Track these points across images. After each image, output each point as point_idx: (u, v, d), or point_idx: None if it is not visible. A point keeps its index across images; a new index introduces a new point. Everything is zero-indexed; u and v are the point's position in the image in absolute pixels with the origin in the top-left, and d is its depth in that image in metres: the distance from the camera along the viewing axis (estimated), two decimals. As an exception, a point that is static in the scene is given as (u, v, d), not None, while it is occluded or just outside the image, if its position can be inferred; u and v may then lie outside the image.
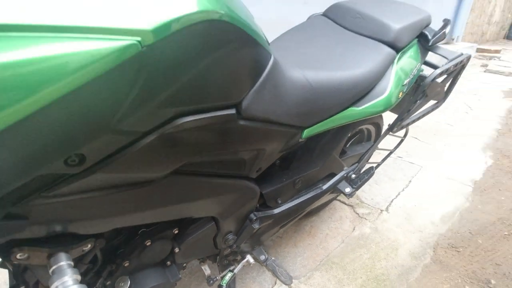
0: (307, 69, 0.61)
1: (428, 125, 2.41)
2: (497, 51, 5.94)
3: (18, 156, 0.29)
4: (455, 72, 0.89)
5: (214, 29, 0.37)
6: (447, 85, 0.94)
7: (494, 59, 5.55)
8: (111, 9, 0.30)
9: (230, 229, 0.69)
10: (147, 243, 0.58)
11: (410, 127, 1.06)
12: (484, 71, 4.77)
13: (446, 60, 0.87)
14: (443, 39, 0.87)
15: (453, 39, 5.70)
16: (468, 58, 0.88)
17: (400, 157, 1.87)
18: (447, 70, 0.80)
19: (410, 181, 1.63)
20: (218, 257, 0.78)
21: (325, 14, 0.90)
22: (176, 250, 0.63)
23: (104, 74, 0.29)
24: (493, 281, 1.08)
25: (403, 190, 1.55)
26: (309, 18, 0.94)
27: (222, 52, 0.39)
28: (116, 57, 0.30)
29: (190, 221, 0.63)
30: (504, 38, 9.07)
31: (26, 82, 0.26)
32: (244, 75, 0.44)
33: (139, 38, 0.31)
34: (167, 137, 0.39)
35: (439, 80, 0.83)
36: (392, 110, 0.89)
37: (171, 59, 0.34)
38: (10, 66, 0.25)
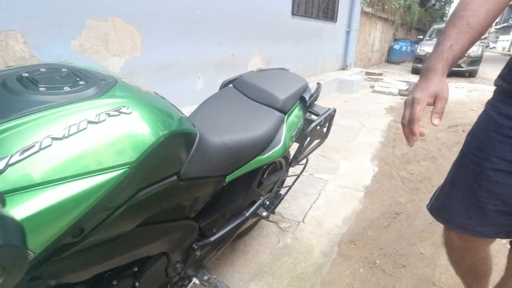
0: (223, 134, 0.87)
1: (333, 144, 2.94)
2: (380, 74, 7.30)
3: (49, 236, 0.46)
4: (328, 119, 1.27)
5: (168, 141, 0.60)
6: (325, 129, 1.32)
7: (379, 81, 6.82)
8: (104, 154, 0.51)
9: (178, 259, 0.88)
10: (113, 283, 0.74)
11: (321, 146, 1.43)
12: (372, 92, 5.83)
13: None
14: (316, 99, 1.25)
15: (347, 66, 6.83)
16: (334, 110, 1.28)
17: (311, 174, 2.28)
18: (320, 122, 1.17)
19: (319, 194, 2.02)
20: (169, 285, 0.96)
21: (234, 86, 1.20)
22: (137, 284, 0.80)
23: (113, 189, 0.49)
24: (377, 261, 1.48)
25: (315, 202, 1.93)
26: (221, 87, 1.23)
27: (171, 148, 0.62)
28: (119, 178, 0.50)
29: (146, 259, 0.80)
30: (385, 62, 11.14)
31: (58, 215, 0.44)
32: (182, 155, 0.68)
33: (128, 165, 0.51)
34: (134, 205, 0.59)
35: (318, 127, 1.19)
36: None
37: (145, 168, 0.56)
38: (49, 209, 0.43)
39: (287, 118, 1.08)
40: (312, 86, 1.31)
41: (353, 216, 1.82)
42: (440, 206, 0.91)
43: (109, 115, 0.49)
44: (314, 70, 5.44)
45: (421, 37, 10.63)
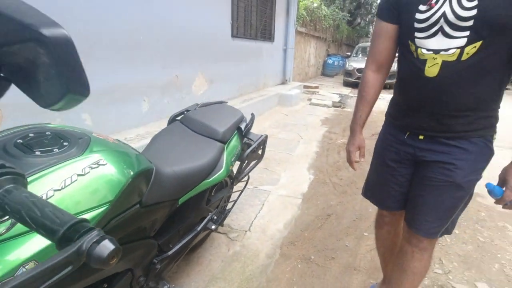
0: (174, 165, 1.06)
1: (275, 157, 3.25)
2: (316, 87, 8.00)
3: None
4: (261, 144, 1.53)
5: (134, 179, 0.77)
6: (260, 151, 1.58)
7: (315, 94, 7.49)
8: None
9: (141, 274, 1.03)
10: (85, 300, 0.87)
11: (263, 159, 1.68)
12: (310, 104, 6.41)
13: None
14: (251, 128, 1.50)
15: (287, 80, 7.37)
16: (266, 136, 1.55)
17: (256, 187, 2.54)
18: (254, 147, 1.42)
19: (263, 204, 2.28)
20: (133, 298, 1.10)
21: (181, 122, 1.39)
22: None
23: (98, 220, 0.66)
24: (312, 257, 1.77)
25: (259, 212, 2.18)
26: (169, 122, 1.41)
27: (136, 184, 0.79)
28: (103, 212, 0.66)
29: (114, 275, 0.94)
30: (321, 75, 12.16)
31: None
32: (143, 187, 0.85)
33: (109, 203, 0.68)
34: (106, 231, 0.75)
35: (253, 151, 1.44)
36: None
37: (118, 202, 0.73)
38: None
39: (227, 147, 1.31)
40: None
41: (293, 221, 2.11)
42: (369, 194, 1.31)
43: (91, 168, 0.66)
44: (256, 86, 5.81)
45: (349, 53, 11.91)
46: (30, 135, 0.66)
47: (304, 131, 4.37)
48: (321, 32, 10.66)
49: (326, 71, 12.31)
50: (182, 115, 1.41)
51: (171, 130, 1.32)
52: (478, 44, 0.86)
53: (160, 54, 3.20)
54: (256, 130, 3.21)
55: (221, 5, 4.26)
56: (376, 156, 1.25)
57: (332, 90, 8.52)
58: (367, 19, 22.85)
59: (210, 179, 1.18)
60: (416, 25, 0.95)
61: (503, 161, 1.04)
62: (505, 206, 0.99)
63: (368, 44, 13.75)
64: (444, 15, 0.88)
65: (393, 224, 1.32)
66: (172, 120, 1.43)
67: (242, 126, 1.42)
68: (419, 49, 0.95)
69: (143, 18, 2.89)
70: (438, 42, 0.91)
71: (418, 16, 0.94)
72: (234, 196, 1.77)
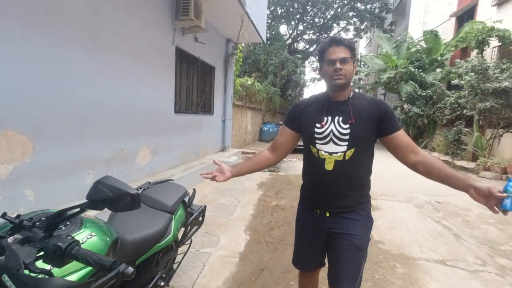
0: (134, 233, 1.38)
1: (215, 221, 3.57)
2: (254, 153, 8.77)
3: None
4: (201, 213, 1.92)
5: (110, 246, 1.09)
6: (200, 218, 1.96)
7: (252, 159, 8.19)
8: None
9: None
10: None
11: (204, 224, 2.01)
12: (247, 169, 7.00)
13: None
14: (193, 200, 1.89)
15: (226, 147, 7.98)
16: (205, 207, 1.95)
17: (197, 250, 2.80)
18: (196, 216, 1.81)
19: (204, 265, 2.54)
20: None
21: None
22: None
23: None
24: (247, 308, 2.06)
25: (201, 272, 2.43)
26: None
27: (111, 249, 1.11)
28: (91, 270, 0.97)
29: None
30: (258, 141, 13.24)
31: None
32: (112, 252, 1.16)
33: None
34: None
35: (194, 219, 1.82)
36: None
37: None
38: None
39: (174, 216, 1.66)
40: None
41: (231, 278, 2.40)
42: (294, 258, 1.64)
43: (87, 238, 0.99)
44: (197, 154, 6.26)
45: (281, 122, 13.44)
46: (43, 218, 0.98)
47: (241, 195, 4.82)
48: (256, 103, 12.03)
49: (262, 137, 13.51)
50: (138, 193, 1.76)
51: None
52: (353, 150, 1.35)
53: (108, 130, 3.50)
54: (198, 196, 3.56)
55: (165, 85, 4.85)
56: (296, 229, 1.61)
57: (268, 155, 9.37)
58: (297, 91, 26.22)
59: (161, 243, 1.50)
60: (316, 135, 1.40)
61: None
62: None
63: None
64: (332, 131, 1.37)
65: (313, 276, 1.70)
66: None
67: (186, 199, 1.81)
68: (319, 151, 1.39)
69: (94, 98, 3.25)
70: (331, 147, 1.37)
71: (317, 130, 1.40)
72: (178, 258, 2.05)
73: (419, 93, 10.89)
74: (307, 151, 1.47)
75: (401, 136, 1.36)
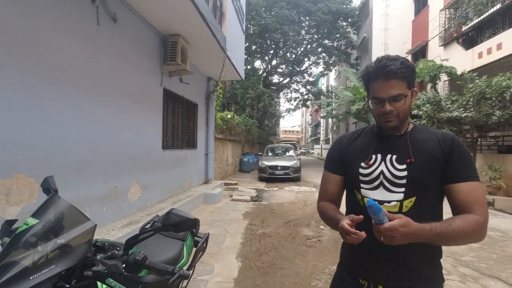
0: (154, 257, 1.66)
1: (208, 251, 3.73)
2: (236, 184, 9.02)
3: None
4: (205, 240, 2.21)
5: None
6: (205, 245, 2.25)
7: (235, 190, 8.45)
8: None
9: None
10: None
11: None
12: (231, 200, 7.24)
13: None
14: (198, 230, 2.19)
15: (209, 180, 8.21)
16: (208, 234, 2.25)
17: (195, 278, 3.02)
18: (202, 242, 2.10)
19: (203, 291, 2.77)
20: None
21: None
22: None
23: None
24: (246, 325, 2.31)
25: (201, 298, 2.65)
26: (141, 230, 2.02)
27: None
28: None
29: None
30: (238, 171, 13.54)
31: None
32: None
33: None
34: None
35: (201, 245, 2.11)
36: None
37: None
38: None
39: (185, 243, 1.96)
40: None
41: (228, 301, 2.64)
42: None
43: None
44: (183, 188, 6.47)
45: (261, 153, 13.92)
46: (106, 244, 1.26)
47: (229, 225, 5.06)
48: (236, 135, 12.49)
49: (243, 168, 13.84)
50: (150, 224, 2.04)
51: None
52: (413, 199, 0.99)
53: (103, 169, 3.73)
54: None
55: (154, 123, 5.17)
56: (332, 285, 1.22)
57: (249, 186, 9.68)
58: (273, 121, 27.22)
59: (177, 265, 1.79)
60: (361, 178, 1.08)
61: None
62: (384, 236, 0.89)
63: (276, 144, 16.26)
64: (382, 172, 1.04)
65: None
66: (142, 228, 2.03)
67: (194, 230, 2.11)
68: (364, 198, 1.05)
69: (94, 139, 3.51)
70: (381, 194, 1.03)
71: (362, 171, 1.08)
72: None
73: (385, 122, 11.83)
74: (350, 198, 1.16)
75: (466, 190, 0.96)
